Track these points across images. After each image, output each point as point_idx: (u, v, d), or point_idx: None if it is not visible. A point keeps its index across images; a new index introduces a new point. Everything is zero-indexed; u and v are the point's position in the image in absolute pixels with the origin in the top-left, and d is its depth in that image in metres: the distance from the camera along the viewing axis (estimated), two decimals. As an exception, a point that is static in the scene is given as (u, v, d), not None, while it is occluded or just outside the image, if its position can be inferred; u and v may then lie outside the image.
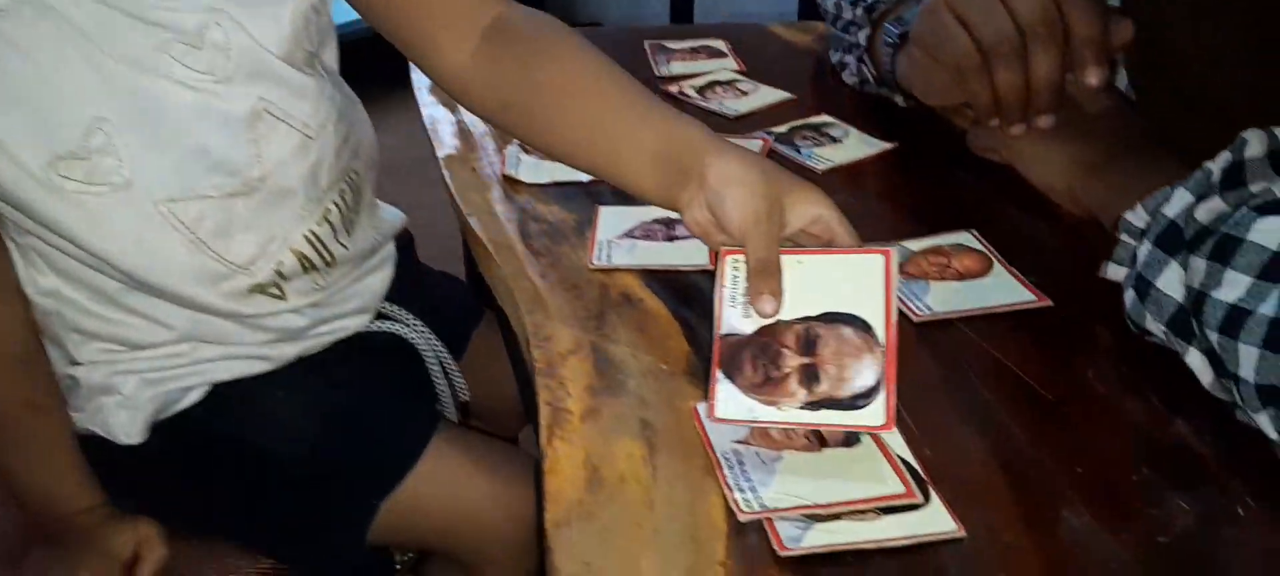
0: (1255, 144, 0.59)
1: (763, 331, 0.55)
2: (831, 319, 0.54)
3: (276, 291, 0.76)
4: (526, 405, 0.70)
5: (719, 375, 0.54)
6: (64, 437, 0.74)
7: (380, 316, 0.87)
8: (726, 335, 0.55)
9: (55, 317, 0.73)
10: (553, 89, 0.67)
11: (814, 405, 0.52)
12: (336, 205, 0.78)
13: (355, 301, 0.84)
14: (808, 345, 0.53)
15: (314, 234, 0.77)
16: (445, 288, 1.00)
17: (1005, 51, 0.70)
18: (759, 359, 0.53)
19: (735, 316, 0.56)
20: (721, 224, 0.59)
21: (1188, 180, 0.59)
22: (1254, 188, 0.58)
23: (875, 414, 0.50)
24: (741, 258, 0.57)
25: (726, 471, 0.52)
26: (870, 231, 0.74)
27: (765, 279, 0.56)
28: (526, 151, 0.88)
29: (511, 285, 0.69)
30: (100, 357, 0.75)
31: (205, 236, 0.71)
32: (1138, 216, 0.63)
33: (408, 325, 0.88)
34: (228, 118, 0.70)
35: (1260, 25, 0.68)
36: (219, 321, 0.75)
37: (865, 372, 0.52)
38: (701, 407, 0.57)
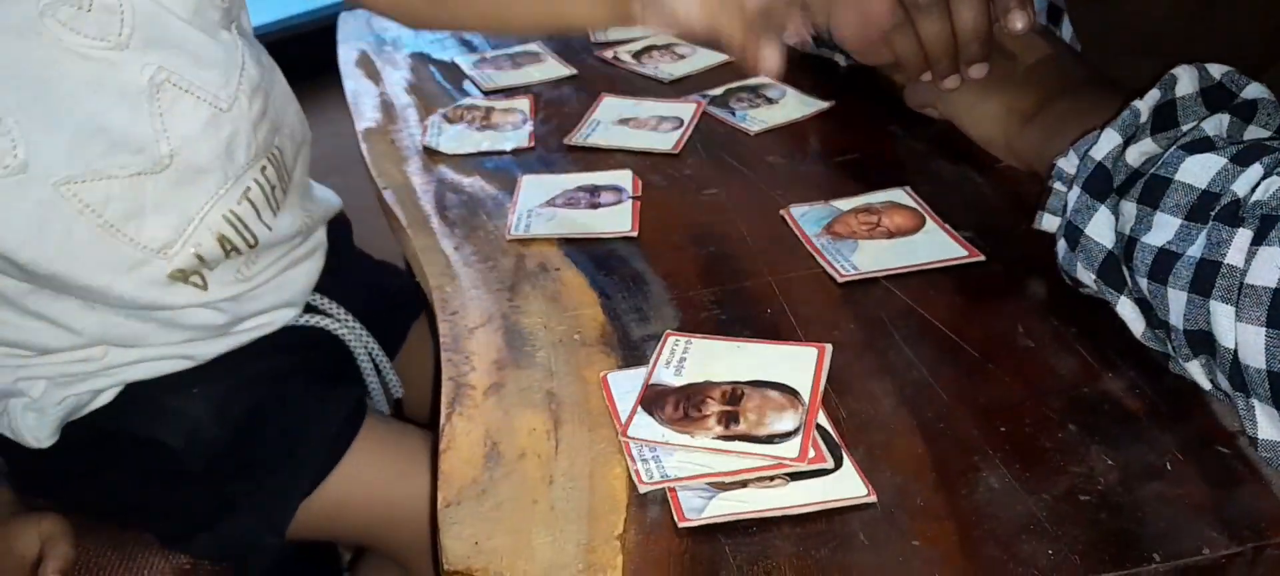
0: (1186, 81, 0.56)
1: (689, 386, 0.52)
2: (759, 384, 0.52)
3: (198, 280, 0.72)
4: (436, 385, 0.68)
5: (639, 407, 0.51)
6: None
7: (309, 309, 0.83)
8: (654, 385, 0.53)
9: None
10: None
11: (728, 439, 0.49)
12: (258, 183, 0.73)
13: (281, 294, 0.79)
14: (732, 398, 0.51)
15: (234, 214, 0.72)
16: (384, 278, 0.96)
17: (927, 4, 0.67)
18: (681, 402, 0.51)
19: (667, 374, 0.53)
20: (687, 32, 0.60)
21: (1115, 121, 0.56)
22: (1186, 127, 0.55)
23: (790, 448, 0.47)
24: (681, 338, 0.56)
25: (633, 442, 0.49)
26: (804, 192, 0.72)
27: (757, 51, 0.58)
28: (449, 121, 0.84)
29: (422, 258, 0.66)
30: (5, 361, 0.71)
31: (114, 219, 0.66)
32: (1069, 162, 0.60)
33: (337, 319, 0.84)
34: (126, 89, 0.65)
35: None
36: (133, 323, 0.71)
37: (785, 421, 0.49)
38: (612, 377, 0.54)
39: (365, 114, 0.88)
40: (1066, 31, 0.82)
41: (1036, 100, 0.72)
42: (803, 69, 0.94)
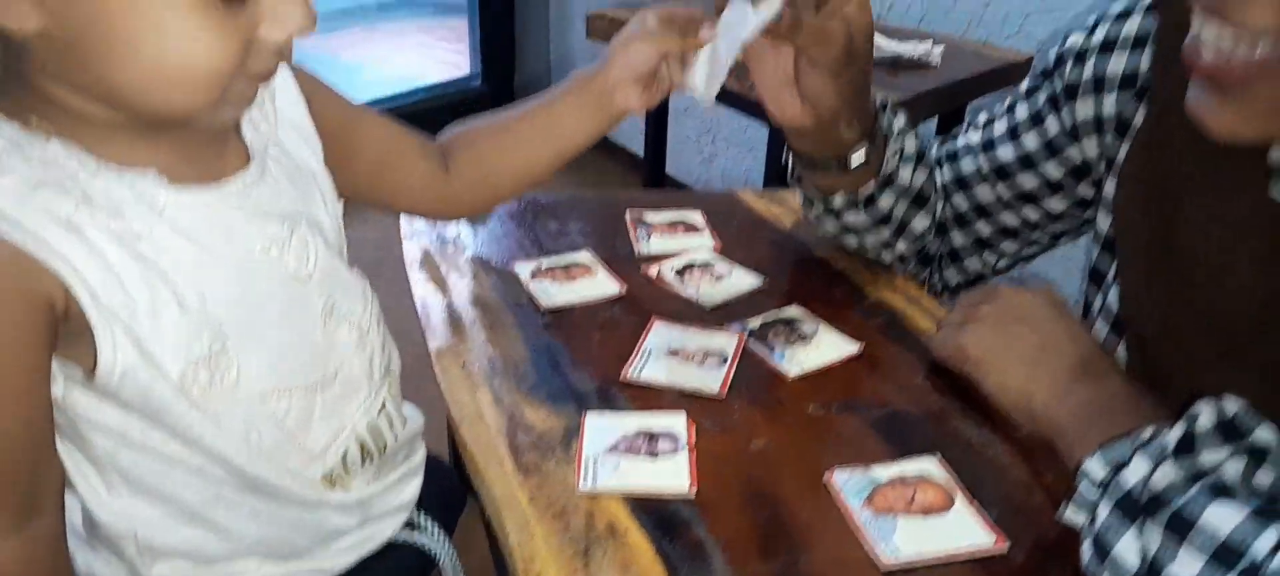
0: (1206, 416, 0.64)
1: None
2: None
3: (343, 483, 0.80)
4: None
5: None
6: None
7: (407, 525, 0.90)
8: None
9: (124, 538, 0.74)
10: (491, 147, 0.92)
11: None
12: (389, 395, 0.83)
13: (399, 498, 0.87)
14: None
15: (375, 425, 0.81)
16: (439, 480, 1.02)
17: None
18: None
19: None
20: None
21: (1146, 448, 0.64)
22: (1204, 457, 0.63)
23: None
24: None
25: None
26: (843, 452, 0.79)
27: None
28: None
29: (501, 508, 0.72)
30: (167, 573, 0.76)
31: (293, 427, 0.75)
32: (1096, 465, 0.68)
33: (431, 533, 0.91)
34: (309, 316, 0.75)
35: (1272, 235, 0.73)
36: (284, 532, 0.78)
37: None
38: (687, 667, 0.60)
39: (436, 330, 0.94)
40: (1112, 295, 0.89)
41: (1061, 378, 0.80)
42: (827, 298, 1.02)
